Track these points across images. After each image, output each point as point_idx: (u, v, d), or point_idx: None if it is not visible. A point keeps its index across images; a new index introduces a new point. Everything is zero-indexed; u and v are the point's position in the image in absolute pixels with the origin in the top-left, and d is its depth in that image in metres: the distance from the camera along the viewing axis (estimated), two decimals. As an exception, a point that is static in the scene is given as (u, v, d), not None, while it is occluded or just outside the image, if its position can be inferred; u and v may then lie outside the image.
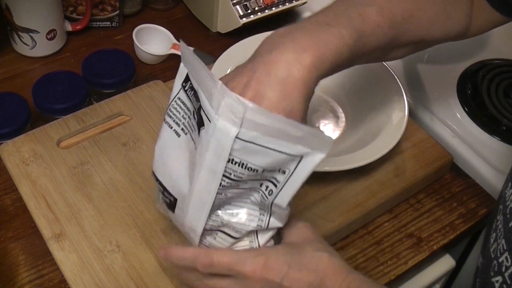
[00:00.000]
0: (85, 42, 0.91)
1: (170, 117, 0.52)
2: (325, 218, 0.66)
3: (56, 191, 0.65)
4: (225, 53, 0.78)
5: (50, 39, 0.86)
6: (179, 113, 0.52)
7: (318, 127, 0.46)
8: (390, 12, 0.54)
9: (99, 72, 0.78)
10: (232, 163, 0.46)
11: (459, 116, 0.82)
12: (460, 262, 0.83)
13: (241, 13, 0.87)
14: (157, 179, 0.54)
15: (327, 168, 0.67)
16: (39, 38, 0.85)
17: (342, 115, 0.78)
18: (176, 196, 0.53)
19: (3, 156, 0.68)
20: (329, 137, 0.46)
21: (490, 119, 0.80)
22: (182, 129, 0.52)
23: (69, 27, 0.90)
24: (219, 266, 0.49)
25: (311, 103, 0.78)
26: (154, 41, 0.89)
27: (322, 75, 0.49)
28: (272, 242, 0.53)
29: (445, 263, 0.79)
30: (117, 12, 0.92)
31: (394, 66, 0.80)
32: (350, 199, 0.68)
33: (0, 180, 0.70)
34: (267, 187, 0.49)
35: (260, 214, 0.51)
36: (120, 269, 0.59)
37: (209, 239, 0.53)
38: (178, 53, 0.88)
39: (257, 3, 0.88)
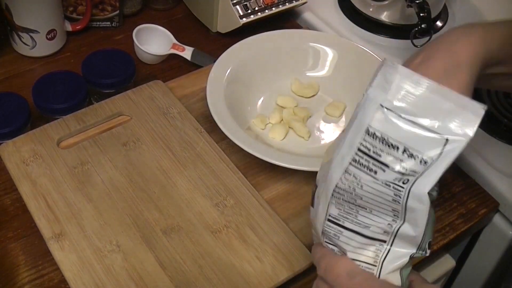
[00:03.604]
0: (85, 42, 0.91)
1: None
2: (325, 218, 0.66)
3: (56, 191, 0.65)
4: (225, 53, 0.78)
5: (50, 39, 0.86)
6: None
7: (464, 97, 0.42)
8: None
9: (99, 72, 0.78)
10: (371, 135, 0.42)
11: (459, 116, 0.82)
12: (460, 262, 0.83)
13: (241, 13, 0.87)
14: None
15: (327, 168, 0.66)
16: (39, 38, 0.85)
17: (342, 115, 0.78)
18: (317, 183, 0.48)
19: (3, 156, 0.68)
20: (481, 107, 0.41)
21: (490, 119, 0.80)
22: None
23: (69, 27, 0.90)
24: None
25: (311, 104, 0.79)
26: (154, 41, 0.89)
27: (486, 58, 0.48)
28: (397, 276, 0.47)
29: (445, 263, 0.79)
30: (117, 12, 0.92)
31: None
32: (350, 199, 0.68)
33: (0, 180, 0.70)
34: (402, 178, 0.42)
35: (394, 216, 0.44)
36: (120, 269, 0.59)
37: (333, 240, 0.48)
38: (178, 53, 0.88)
39: (257, 3, 0.88)
